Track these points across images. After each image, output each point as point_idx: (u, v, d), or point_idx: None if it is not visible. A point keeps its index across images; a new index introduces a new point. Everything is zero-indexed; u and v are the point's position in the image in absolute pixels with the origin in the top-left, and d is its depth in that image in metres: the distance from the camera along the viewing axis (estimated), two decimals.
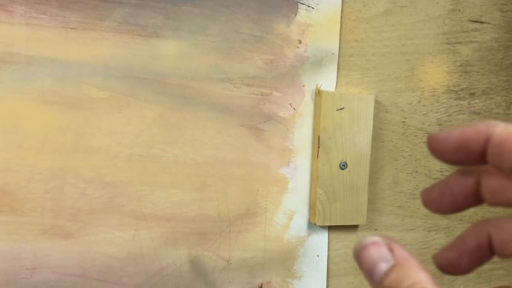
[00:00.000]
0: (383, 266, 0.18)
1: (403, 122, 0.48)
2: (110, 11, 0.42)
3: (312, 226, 0.47)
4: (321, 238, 0.48)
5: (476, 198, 0.22)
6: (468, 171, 0.22)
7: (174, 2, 0.43)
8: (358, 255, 0.19)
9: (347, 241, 0.49)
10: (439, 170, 0.49)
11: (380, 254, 0.19)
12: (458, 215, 0.51)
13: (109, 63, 0.42)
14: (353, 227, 0.49)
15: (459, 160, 0.21)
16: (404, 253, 0.19)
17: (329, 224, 0.47)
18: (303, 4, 0.44)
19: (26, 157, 0.42)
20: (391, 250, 0.19)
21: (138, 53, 0.43)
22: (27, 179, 0.43)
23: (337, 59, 0.46)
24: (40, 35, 0.41)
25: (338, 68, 0.46)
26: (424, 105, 0.48)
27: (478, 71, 0.49)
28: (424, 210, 0.50)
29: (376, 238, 0.19)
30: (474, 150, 0.20)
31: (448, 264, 0.22)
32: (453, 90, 0.49)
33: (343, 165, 0.46)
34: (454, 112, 0.49)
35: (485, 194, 0.21)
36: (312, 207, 0.47)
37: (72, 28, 0.42)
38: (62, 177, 0.43)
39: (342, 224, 0.47)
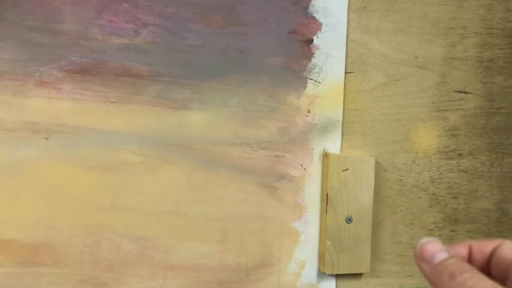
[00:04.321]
0: (443, 255, 0.27)
1: (400, 180, 0.54)
2: (145, 87, 0.48)
3: (321, 274, 0.53)
4: (330, 285, 0.53)
5: None
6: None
7: (201, 79, 0.49)
8: (424, 245, 0.28)
9: (353, 287, 0.54)
10: (433, 222, 0.55)
11: (441, 248, 0.28)
12: None
13: (143, 132, 0.49)
14: (358, 274, 0.54)
15: None
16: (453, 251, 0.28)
17: (337, 273, 0.52)
18: (311, 79, 0.51)
19: (67, 215, 0.48)
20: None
21: (169, 123, 0.49)
22: (68, 235, 0.48)
23: (341, 126, 0.52)
24: (84, 108, 0.47)
25: (342, 133, 0.52)
26: (418, 165, 0.55)
27: (465, 135, 0.55)
28: None
29: (436, 239, 0.28)
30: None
31: None
32: (443, 151, 0.55)
33: (349, 219, 0.51)
34: (444, 170, 0.55)
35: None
36: (321, 257, 0.52)
37: (112, 102, 0.48)
38: (99, 233, 0.48)
39: (348, 272, 0.52)
